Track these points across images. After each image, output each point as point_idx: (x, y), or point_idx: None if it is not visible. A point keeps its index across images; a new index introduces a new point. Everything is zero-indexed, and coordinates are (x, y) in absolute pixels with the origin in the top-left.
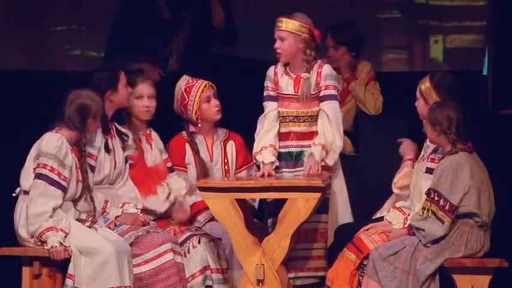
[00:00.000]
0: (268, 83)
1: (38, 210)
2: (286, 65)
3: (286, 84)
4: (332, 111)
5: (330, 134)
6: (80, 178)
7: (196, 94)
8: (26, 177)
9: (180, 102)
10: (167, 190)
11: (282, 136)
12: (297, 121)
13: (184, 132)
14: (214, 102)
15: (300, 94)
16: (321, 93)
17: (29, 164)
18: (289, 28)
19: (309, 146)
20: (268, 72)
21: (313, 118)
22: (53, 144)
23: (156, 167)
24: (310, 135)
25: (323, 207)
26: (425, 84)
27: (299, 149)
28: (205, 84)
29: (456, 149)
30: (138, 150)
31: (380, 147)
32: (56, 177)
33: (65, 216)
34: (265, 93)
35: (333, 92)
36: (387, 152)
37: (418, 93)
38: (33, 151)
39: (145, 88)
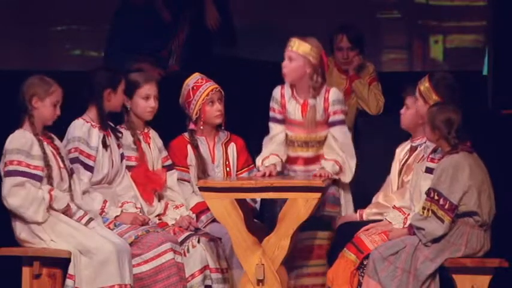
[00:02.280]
0: (274, 105)
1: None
2: (292, 87)
3: (294, 109)
4: (343, 136)
5: (340, 157)
6: (62, 165)
7: (201, 96)
8: None
9: (185, 98)
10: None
11: (289, 160)
12: (306, 146)
13: (185, 134)
14: (217, 106)
15: (306, 121)
16: (330, 119)
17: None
18: (300, 50)
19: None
20: (274, 94)
21: (321, 143)
22: (16, 140)
23: (156, 172)
24: (317, 159)
25: (325, 224)
26: (424, 85)
27: (306, 174)
28: (213, 88)
29: (456, 149)
30: (139, 152)
31: (380, 147)
32: (26, 169)
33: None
34: (271, 114)
35: (342, 116)
36: (387, 152)
37: (417, 94)
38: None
39: (152, 88)
